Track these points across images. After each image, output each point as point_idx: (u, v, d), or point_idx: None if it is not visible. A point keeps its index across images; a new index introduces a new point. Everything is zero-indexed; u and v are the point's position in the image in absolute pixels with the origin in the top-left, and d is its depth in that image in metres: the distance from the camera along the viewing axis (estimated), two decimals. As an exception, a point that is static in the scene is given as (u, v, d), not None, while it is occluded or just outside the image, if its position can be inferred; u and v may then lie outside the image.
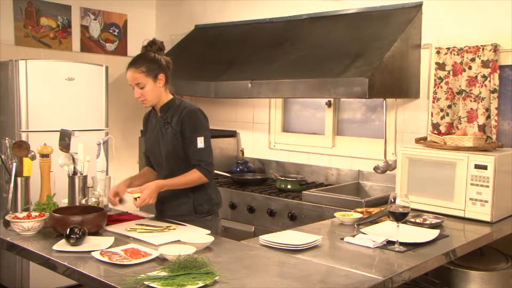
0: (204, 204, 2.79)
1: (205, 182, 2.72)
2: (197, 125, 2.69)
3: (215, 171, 4.07)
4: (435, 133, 3.47)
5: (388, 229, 2.51)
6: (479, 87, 3.37)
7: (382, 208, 2.86)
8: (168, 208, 2.81)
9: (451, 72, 3.50)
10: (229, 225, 3.97)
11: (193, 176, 2.67)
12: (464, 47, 3.43)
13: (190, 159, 2.70)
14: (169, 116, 2.75)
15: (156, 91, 2.72)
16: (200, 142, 2.66)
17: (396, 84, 3.53)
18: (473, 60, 3.40)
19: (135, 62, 2.68)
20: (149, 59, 2.69)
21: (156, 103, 2.78)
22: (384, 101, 3.77)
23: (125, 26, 5.38)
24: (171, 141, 2.72)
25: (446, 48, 3.52)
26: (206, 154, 2.69)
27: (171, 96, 2.80)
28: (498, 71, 3.31)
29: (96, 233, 2.42)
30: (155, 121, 2.86)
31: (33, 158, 2.81)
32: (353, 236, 2.47)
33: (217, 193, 2.90)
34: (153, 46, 2.76)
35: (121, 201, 2.72)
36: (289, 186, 3.90)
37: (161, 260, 2.05)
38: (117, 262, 2.00)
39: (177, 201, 2.78)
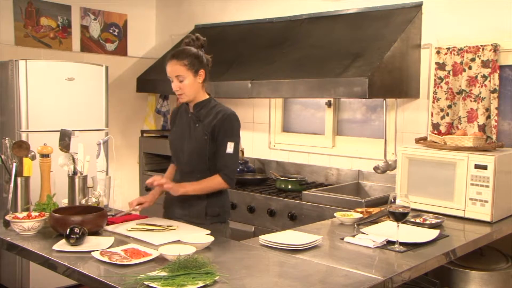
0: (217, 207, 2.74)
1: (224, 188, 2.71)
2: (230, 130, 2.67)
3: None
4: (435, 133, 3.47)
5: (388, 229, 2.51)
6: (479, 87, 3.37)
7: (382, 208, 2.86)
8: (177, 206, 2.75)
9: (451, 72, 3.50)
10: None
11: (215, 182, 2.65)
12: (464, 47, 3.43)
13: (216, 162, 2.67)
14: (202, 114, 2.72)
15: (195, 86, 2.67)
16: (230, 148, 2.64)
17: (396, 84, 3.53)
18: (473, 60, 3.40)
19: (178, 55, 2.65)
20: (192, 54, 2.66)
21: (192, 99, 2.72)
22: (384, 101, 3.77)
23: (125, 26, 5.38)
24: (199, 139, 2.68)
25: (446, 48, 3.52)
26: (232, 160, 2.66)
27: (207, 96, 2.77)
28: (498, 71, 3.31)
29: (96, 233, 2.42)
30: (186, 117, 2.80)
31: (33, 158, 2.81)
32: (353, 236, 2.47)
33: (229, 201, 2.86)
34: (196, 42, 2.74)
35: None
36: (289, 186, 3.90)
37: (161, 260, 2.05)
38: (117, 262, 2.00)
39: (188, 201, 2.71)
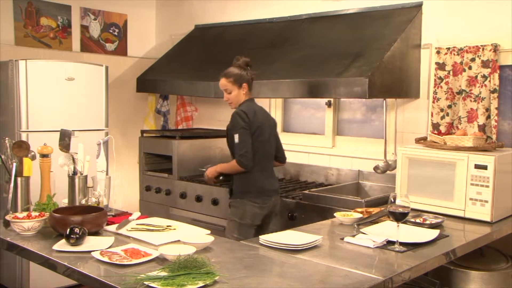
0: (240, 188, 3.33)
1: (243, 170, 3.25)
2: (233, 125, 3.29)
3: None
4: (435, 133, 3.47)
5: (388, 229, 2.51)
6: (479, 87, 3.37)
7: (382, 208, 2.86)
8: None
9: (451, 72, 3.50)
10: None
11: (233, 164, 3.30)
12: (464, 47, 3.43)
13: None
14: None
15: (239, 96, 3.35)
16: (236, 138, 3.25)
17: (396, 84, 3.53)
18: (473, 60, 3.40)
19: (226, 73, 3.37)
20: (236, 72, 3.34)
21: (236, 106, 3.38)
22: (384, 101, 3.77)
23: (125, 26, 5.39)
24: (230, 139, 3.35)
25: (446, 48, 3.52)
26: (239, 147, 3.25)
27: (243, 100, 3.37)
28: (498, 71, 3.31)
29: (96, 233, 2.42)
30: None
31: (33, 158, 2.81)
32: (353, 236, 2.47)
33: (253, 183, 3.32)
34: (236, 62, 3.39)
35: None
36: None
37: (161, 260, 2.05)
38: (117, 262, 2.00)
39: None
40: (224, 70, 3.38)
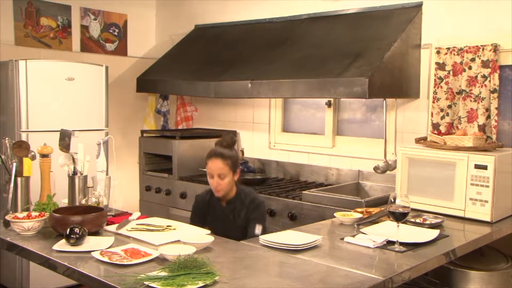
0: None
1: None
2: (259, 216, 2.96)
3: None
4: (435, 133, 3.47)
5: (388, 229, 2.51)
6: (479, 87, 3.37)
7: (382, 208, 2.86)
8: None
9: (451, 72, 3.50)
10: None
11: None
12: (464, 47, 3.43)
13: None
14: (237, 209, 2.99)
15: (231, 183, 2.96)
16: (258, 230, 2.88)
17: (396, 84, 3.53)
18: (473, 60, 3.40)
19: (223, 154, 2.91)
20: (233, 154, 2.96)
21: (227, 194, 2.98)
22: (384, 101, 3.77)
23: (125, 26, 5.38)
24: (241, 229, 2.93)
25: (446, 48, 3.52)
26: None
27: (235, 189, 3.01)
28: (498, 71, 3.31)
29: (96, 233, 2.42)
30: (220, 209, 3.03)
31: (33, 158, 2.81)
32: (353, 236, 2.47)
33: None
34: (223, 142, 2.98)
35: None
36: None
37: (161, 260, 2.05)
38: (117, 262, 2.00)
39: None
40: (215, 150, 2.96)
